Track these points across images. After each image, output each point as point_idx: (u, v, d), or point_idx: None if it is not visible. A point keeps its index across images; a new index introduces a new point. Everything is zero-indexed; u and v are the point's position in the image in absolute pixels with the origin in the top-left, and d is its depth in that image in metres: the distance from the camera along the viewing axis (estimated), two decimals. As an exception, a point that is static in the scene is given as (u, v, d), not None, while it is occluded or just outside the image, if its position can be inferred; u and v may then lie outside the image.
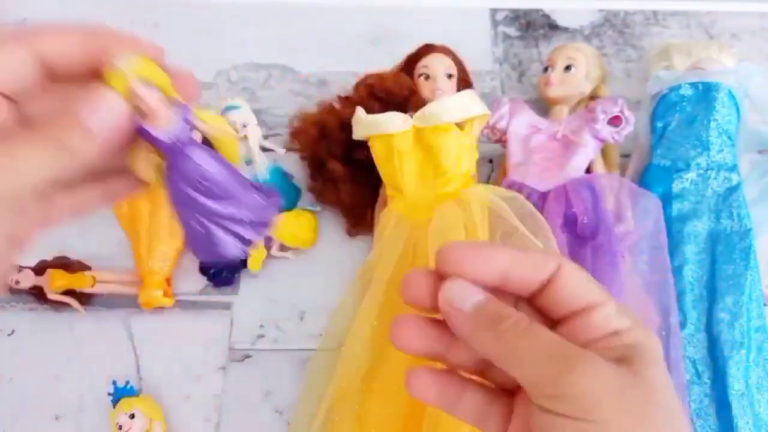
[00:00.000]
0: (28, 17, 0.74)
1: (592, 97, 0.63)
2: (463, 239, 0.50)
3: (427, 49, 0.62)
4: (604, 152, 0.60)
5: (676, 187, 0.58)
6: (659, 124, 0.60)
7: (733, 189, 0.57)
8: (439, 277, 0.24)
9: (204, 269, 0.59)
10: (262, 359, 0.57)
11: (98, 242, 0.60)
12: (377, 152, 0.55)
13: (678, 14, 0.74)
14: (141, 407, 0.52)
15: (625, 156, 0.63)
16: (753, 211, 0.56)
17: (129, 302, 0.58)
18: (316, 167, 0.61)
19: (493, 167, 0.65)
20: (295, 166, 0.64)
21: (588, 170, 0.58)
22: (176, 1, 0.75)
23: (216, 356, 0.57)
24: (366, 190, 0.60)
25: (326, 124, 0.59)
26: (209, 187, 0.30)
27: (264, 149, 0.64)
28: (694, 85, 0.59)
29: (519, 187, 0.57)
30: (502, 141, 0.61)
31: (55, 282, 0.57)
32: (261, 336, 0.58)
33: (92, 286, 0.58)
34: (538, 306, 0.24)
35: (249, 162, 0.60)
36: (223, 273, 0.59)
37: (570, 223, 0.54)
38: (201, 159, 0.28)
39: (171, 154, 0.28)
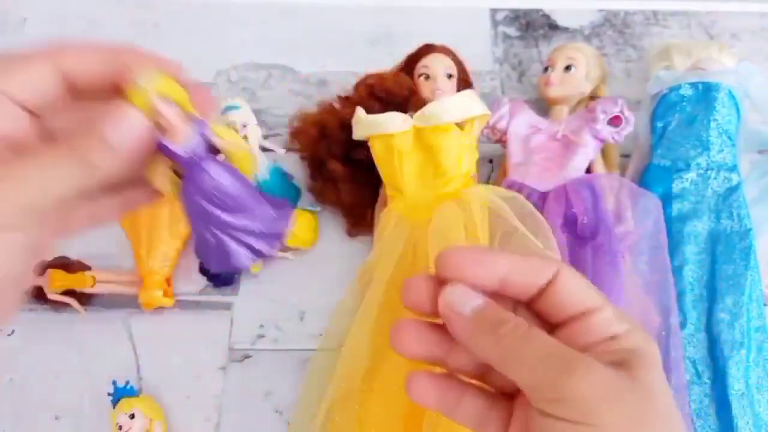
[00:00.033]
0: (28, 17, 0.74)
1: (592, 97, 0.63)
2: (463, 239, 0.50)
3: (427, 49, 0.62)
4: (604, 152, 0.60)
5: (676, 187, 0.58)
6: (659, 124, 0.60)
7: (733, 189, 0.57)
8: (439, 282, 0.24)
9: (204, 269, 0.59)
10: (262, 359, 0.57)
11: (98, 242, 0.60)
12: (377, 152, 0.55)
13: (678, 14, 0.74)
14: (141, 407, 0.52)
15: (625, 156, 0.63)
16: (753, 211, 0.56)
17: (129, 302, 0.58)
18: (316, 167, 0.61)
19: (493, 167, 0.65)
20: (295, 166, 0.64)
21: (588, 170, 0.58)
22: (176, 1, 0.75)
23: (216, 356, 0.57)
24: (366, 190, 0.60)
25: (326, 124, 0.59)
26: (223, 199, 0.31)
27: (264, 149, 0.64)
28: (694, 85, 0.59)
29: (519, 187, 0.57)
30: (502, 141, 0.61)
31: (55, 282, 0.57)
32: (261, 336, 0.58)
33: (92, 286, 0.58)
34: (536, 310, 0.25)
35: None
36: (223, 273, 0.59)
37: (570, 223, 0.54)
38: (216, 172, 0.29)
39: (187, 168, 0.29)
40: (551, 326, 0.24)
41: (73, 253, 0.59)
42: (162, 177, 0.28)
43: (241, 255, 0.35)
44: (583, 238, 0.54)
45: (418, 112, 0.54)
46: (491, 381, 0.26)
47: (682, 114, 0.59)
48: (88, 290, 0.58)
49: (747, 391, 0.51)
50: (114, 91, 0.26)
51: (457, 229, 0.51)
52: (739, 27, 0.73)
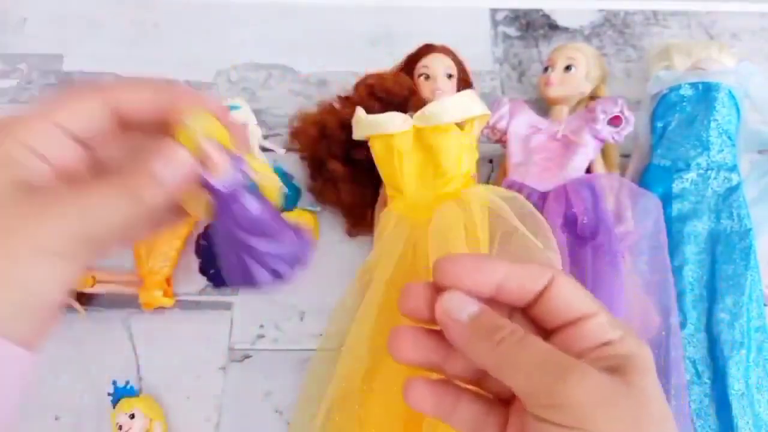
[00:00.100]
0: (28, 17, 0.74)
1: (592, 97, 0.63)
2: (463, 239, 0.50)
3: (427, 49, 0.62)
4: (604, 152, 0.60)
5: (676, 187, 0.58)
6: (659, 124, 0.60)
7: (733, 189, 0.57)
8: (436, 289, 0.25)
9: (204, 269, 0.59)
10: (262, 359, 0.57)
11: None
12: (377, 152, 0.55)
13: (678, 14, 0.74)
14: (141, 407, 0.52)
15: (625, 156, 0.63)
16: (753, 211, 0.56)
17: (129, 302, 0.58)
18: (316, 167, 0.61)
19: (493, 167, 0.65)
20: (295, 166, 0.64)
21: (588, 170, 0.58)
22: (176, 1, 0.75)
23: (216, 356, 0.57)
24: (366, 190, 0.60)
25: (326, 124, 0.59)
26: (252, 227, 0.33)
27: (264, 149, 0.64)
28: (694, 85, 0.59)
29: (519, 187, 0.57)
30: (502, 141, 0.61)
31: (55, 282, 0.57)
32: (261, 336, 0.58)
33: (92, 286, 0.58)
34: (532, 316, 0.25)
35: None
36: (223, 273, 0.59)
37: (570, 223, 0.54)
38: (248, 203, 0.32)
39: (223, 198, 0.31)
40: (546, 332, 0.25)
41: (73, 253, 0.59)
42: (196, 203, 0.30)
43: (263, 276, 0.37)
44: (583, 238, 0.54)
45: (418, 112, 0.54)
46: (488, 387, 0.26)
47: (682, 114, 0.59)
48: (88, 290, 0.58)
49: (747, 391, 0.51)
50: (161, 125, 0.28)
51: (457, 229, 0.51)
52: (739, 27, 0.73)
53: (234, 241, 0.34)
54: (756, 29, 0.73)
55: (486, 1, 0.75)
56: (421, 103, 0.55)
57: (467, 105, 0.54)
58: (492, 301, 0.24)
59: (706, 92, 0.59)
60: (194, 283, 0.60)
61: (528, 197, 0.55)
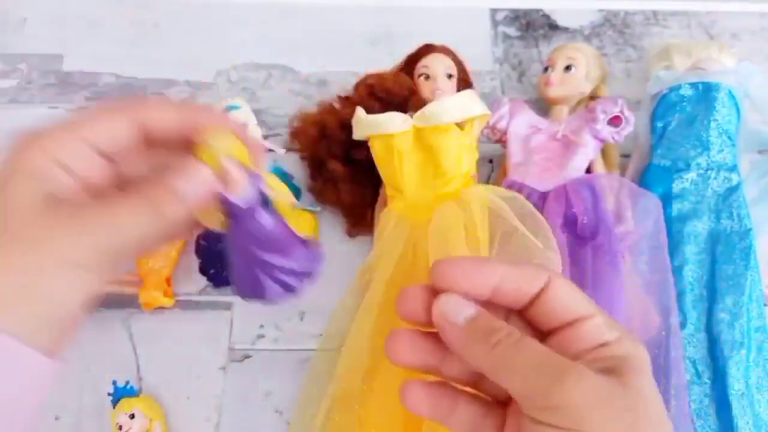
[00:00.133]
0: (28, 17, 0.74)
1: (592, 97, 0.63)
2: (463, 239, 0.50)
3: (427, 49, 0.62)
4: (604, 152, 0.60)
5: (676, 187, 0.58)
6: (659, 124, 0.60)
7: (733, 189, 0.57)
8: (433, 292, 0.25)
9: (204, 269, 0.59)
10: (262, 359, 0.57)
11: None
12: (377, 152, 0.55)
13: (678, 14, 0.74)
14: (141, 407, 0.52)
15: (625, 156, 0.63)
16: (753, 211, 0.56)
17: (129, 302, 0.58)
18: (316, 167, 0.61)
19: (493, 167, 0.65)
20: (295, 166, 0.64)
21: (588, 170, 0.58)
22: (176, 1, 0.75)
23: (216, 356, 0.57)
24: (366, 190, 0.60)
25: (326, 124, 0.59)
26: (266, 242, 0.35)
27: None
28: (694, 85, 0.59)
29: (519, 187, 0.57)
30: (502, 141, 0.61)
31: (55, 282, 0.57)
32: (261, 336, 0.58)
33: (92, 286, 0.58)
34: (528, 318, 0.25)
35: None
36: (223, 273, 0.59)
37: (570, 223, 0.54)
38: (263, 219, 0.33)
39: (240, 214, 0.32)
40: (543, 334, 0.25)
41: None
42: (212, 217, 0.31)
43: (274, 290, 0.39)
44: (583, 238, 0.54)
45: (418, 112, 0.54)
46: (485, 389, 0.26)
47: (682, 114, 0.59)
48: (88, 290, 0.58)
49: (747, 391, 0.51)
50: (183, 142, 0.29)
51: (457, 229, 0.51)
52: (739, 27, 0.73)
53: (247, 255, 0.36)
54: (756, 29, 0.73)
55: (486, 1, 0.75)
56: (421, 103, 0.55)
57: (467, 105, 0.54)
58: (488, 304, 0.25)
59: (706, 92, 0.59)
60: (194, 283, 0.60)
61: (528, 197, 0.55)
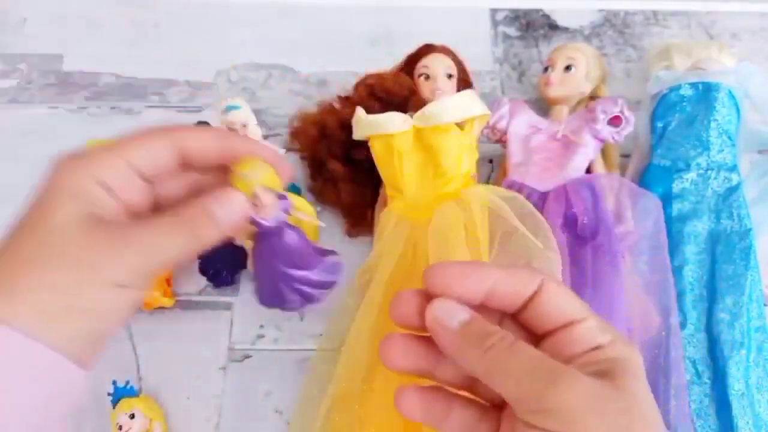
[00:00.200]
0: (28, 17, 0.74)
1: (592, 97, 0.63)
2: (463, 239, 0.50)
3: (427, 49, 0.62)
4: (604, 152, 0.60)
5: (676, 187, 0.58)
6: (659, 124, 0.60)
7: (733, 189, 0.57)
8: (427, 296, 0.25)
9: (204, 269, 0.59)
10: (262, 359, 0.57)
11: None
12: (377, 152, 0.55)
13: (678, 14, 0.74)
14: (141, 407, 0.52)
15: (625, 156, 0.63)
16: (753, 211, 0.56)
17: (129, 302, 0.58)
18: (316, 167, 0.61)
19: (493, 167, 0.65)
20: (295, 166, 0.64)
21: (588, 170, 0.58)
22: (176, 1, 0.75)
23: (216, 356, 0.57)
24: (366, 190, 0.60)
25: (326, 124, 0.59)
26: (289, 258, 0.37)
27: (264, 149, 0.63)
28: (694, 85, 0.59)
29: (519, 187, 0.57)
30: (502, 141, 0.61)
31: (55, 282, 0.56)
32: (261, 336, 0.58)
33: (92, 286, 0.58)
34: (522, 322, 0.25)
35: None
36: (223, 273, 0.59)
37: (570, 223, 0.54)
38: (289, 237, 0.36)
39: (268, 233, 0.35)
40: (537, 337, 0.25)
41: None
42: (243, 234, 0.34)
43: (294, 301, 0.42)
44: (583, 238, 0.54)
45: (418, 112, 0.54)
46: (479, 392, 0.26)
47: (682, 114, 0.59)
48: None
49: (747, 391, 0.51)
50: (218, 167, 0.31)
51: (457, 229, 0.51)
52: (739, 27, 0.73)
53: (271, 269, 0.38)
54: (756, 29, 0.73)
55: (486, 1, 0.75)
56: (421, 103, 0.55)
57: (467, 105, 0.54)
58: (482, 308, 0.25)
59: (706, 92, 0.59)
60: (194, 283, 0.60)
61: (528, 197, 0.55)
